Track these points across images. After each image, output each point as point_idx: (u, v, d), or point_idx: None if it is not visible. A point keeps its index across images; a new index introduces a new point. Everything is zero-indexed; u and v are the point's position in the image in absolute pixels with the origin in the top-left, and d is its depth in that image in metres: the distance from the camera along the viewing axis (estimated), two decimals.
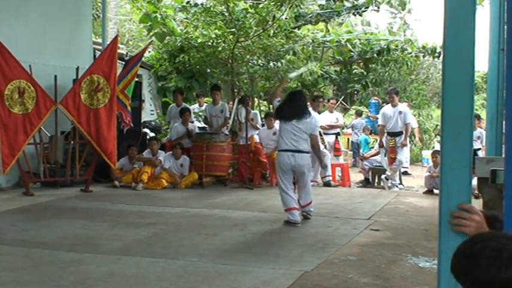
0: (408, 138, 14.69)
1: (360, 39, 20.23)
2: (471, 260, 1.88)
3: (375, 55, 19.83)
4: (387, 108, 14.22)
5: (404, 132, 13.90)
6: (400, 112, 13.87)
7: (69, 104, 12.19)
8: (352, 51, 20.50)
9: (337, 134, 15.77)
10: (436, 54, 20.03)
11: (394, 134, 13.88)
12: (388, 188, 13.84)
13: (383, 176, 14.23)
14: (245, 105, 13.78)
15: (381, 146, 14.47)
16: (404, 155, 14.27)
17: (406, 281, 6.28)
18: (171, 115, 15.05)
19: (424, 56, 21.22)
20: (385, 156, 14.39)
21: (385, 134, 14.07)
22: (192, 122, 14.73)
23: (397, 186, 13.96)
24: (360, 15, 21.09)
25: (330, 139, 15.40)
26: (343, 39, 19.97)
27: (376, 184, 14.85)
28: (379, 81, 21.35)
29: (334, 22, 22.17)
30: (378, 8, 20.72)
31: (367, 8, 20.37)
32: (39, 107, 11.78)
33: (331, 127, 15.46)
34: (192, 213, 10.16)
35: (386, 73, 21.14)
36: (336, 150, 15.37)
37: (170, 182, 13.28)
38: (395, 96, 14.20)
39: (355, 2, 20.06)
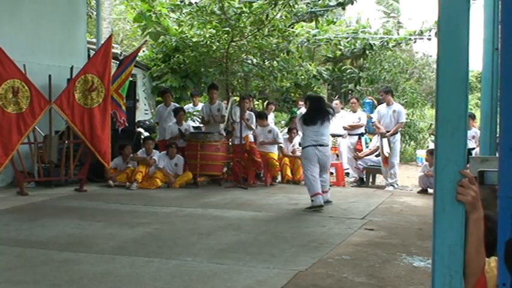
0: (399, 137, 14.64)
1: (347, 33, 20.35)
2: None
3: (363, 51, 19.96)
4: (382, 107, 14.29)
5: (395, 129, 13.90)
6: (394, 111, 13.91)
7: (63, 103, 12.17)
8: (341, 49, 20.59)
9: (360, 135, 15.57)
10: (428, 37, 20.07)
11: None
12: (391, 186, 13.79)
13: (388, 187, 14.03)
14: (242, 105, 13.75)
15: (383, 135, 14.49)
16: (397, 156, 14.22)
17: (400, 281, 6.29)
18: (159, 115, 15.05)
19: (414, 42, 21.30)
20: (378, 156, 14.42)
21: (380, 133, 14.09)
22: (186, 121, 14.74)
23: (392, 186, 13.94)
24: (351, 3, 21.09)
25: (352, 140, 15.35)
26: (332, 36, 20.09)
27: (370, 183, 14.87)
28: (372, 80, 21.40)
29: (326, 21, 22.23)
30: None
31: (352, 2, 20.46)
32: (33, 107, 11.76)
33: (353, 127, 15.40)
34: (186, 213, 10.16)
35: (379, 71, 21.21)
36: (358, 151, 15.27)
37: (164, 182, 13.28)
38: (385, 94, 14.24)
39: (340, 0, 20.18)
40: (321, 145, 10.87)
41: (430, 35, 19.94)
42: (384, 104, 14.27)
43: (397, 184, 14.05)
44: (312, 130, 10.92)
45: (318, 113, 11.01)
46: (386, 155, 13.82)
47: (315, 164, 10.86)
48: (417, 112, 22.16)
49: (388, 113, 13.93)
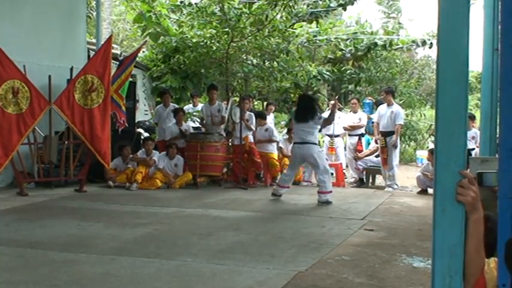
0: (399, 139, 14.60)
1: (348, 34, 20.35)
2: None
3: (365, 52, 19.96)
4: (382, 107, 14.28)
5: (395, 132, 13.88)
6: (392, 112, 13.88)
7: (63, 104, 12.17)
8: (343, 50, 20.58)
9: (361, 135, 15.59)
10: (427, 45, 20.10)
11: (385, 134, 13.88)
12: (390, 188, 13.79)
13: (388, 188, 14.02)
14: (241, 106, 13.73)
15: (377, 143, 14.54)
16: (396, 159, 14.16)
17: (400, 281, 6.29)
18: (158, 116, 15.04)
19: (415, 48, 21.34)
20: (378, 157, 14.42)
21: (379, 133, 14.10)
22: (186, 121, 14.73)
23: (391, 187, 13.93)
24: (352, 3, 21.15)
25: (352, 140, 15.36)
26: (332, 37, 20.09)
27: (370, 184, 14.86)
28: (371, 81, 21.42)
29: (327, 21, 22.25)
30: None
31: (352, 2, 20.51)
32: (33, 107, 11.76)
33: (353, 128, 15.40)
34: (186, 214, 10.16)
35: (378, 73, 21.22)
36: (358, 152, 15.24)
37: (164, 182, 13.27)
38: (386, 94, 14.24)
39: (341, 1, 20.20)
40: (304, 143, 11.38)
41: (431, 43, 19.94)
42: (385, 105, 14.25)
43: (396, 185, 14.05)
44: (301, 128, 11.44)
45: (308, 110, 11.44)
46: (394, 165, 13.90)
47: (295, 163, 11.90)
48: (416, 112, 22.18)
49: (387, 114, 13.92)
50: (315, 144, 11.64)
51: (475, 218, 2.44)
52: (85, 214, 9.93)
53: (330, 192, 11.30)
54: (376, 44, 20.37)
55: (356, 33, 21.51)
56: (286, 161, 14.26)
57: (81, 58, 14.54)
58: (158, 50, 19.11)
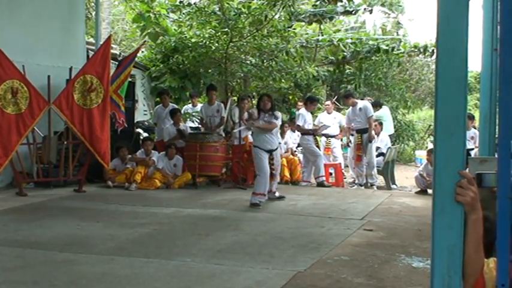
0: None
1: (351, 39, 20.33)
2: None
3: (367, 55, 19.97)
4: (349, 111, 14.55)
5: (369, 127, 14.05)
6: (360, 109, 14.08)
7: (62, 104, 12.17)
8: (344, 52, 20.56)
9: None
10: (428, 53, 20.11)
11: (361, 131, 14.08)
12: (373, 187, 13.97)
13: (353, 186, 14.23)
14: (241, 106, 13.72)
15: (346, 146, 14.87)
16: (374, 154, 14.25)
17: (399, 281, 6.29)
18: (157, 116, 15.06)
19: (417, 55, 21.31)
20: (377, 156, 14.48)
21: (353, 134, 14.29)
22: (185, 122, 14.74)
23: (374, 185, 14.08)
24: (355, 13, 21.22)
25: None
26: (334, 38, 20.06)
27: (369, 184, 14.88)
28: (369, 83, 21.45)
29: (327, 22, 22.23)
30: (371, 10, 20.91)
31: (360, 10, 20.54)
32: (32, 107, 11.76)
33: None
34: (185, 214, 10.16)
35: (374, 73, 21.24)
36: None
37: (163, 182, 13.27)
38: (346, 99, 14.86)
39: (347, 7, 20.19)
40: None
41: (433, 50, 19.92)
42: (350, 108, 14.46)
43: (377, 184, 14.24)
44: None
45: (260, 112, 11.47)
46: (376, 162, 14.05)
47: None
48: (412, 112, 22.24)
49: (356, 113, 14.12)
50: (255, 146, 11.41)
51: (474, 218, 2.44)
52: (84, 214, 9.93)
53: (263, 194, 11.11)
54: (379, 50, 20.36)
55: (361, 38, 21.46)
56: (284, 161, 14.26)
57: (80, 58, 14.53)
58: (157, 50, 19.08)
